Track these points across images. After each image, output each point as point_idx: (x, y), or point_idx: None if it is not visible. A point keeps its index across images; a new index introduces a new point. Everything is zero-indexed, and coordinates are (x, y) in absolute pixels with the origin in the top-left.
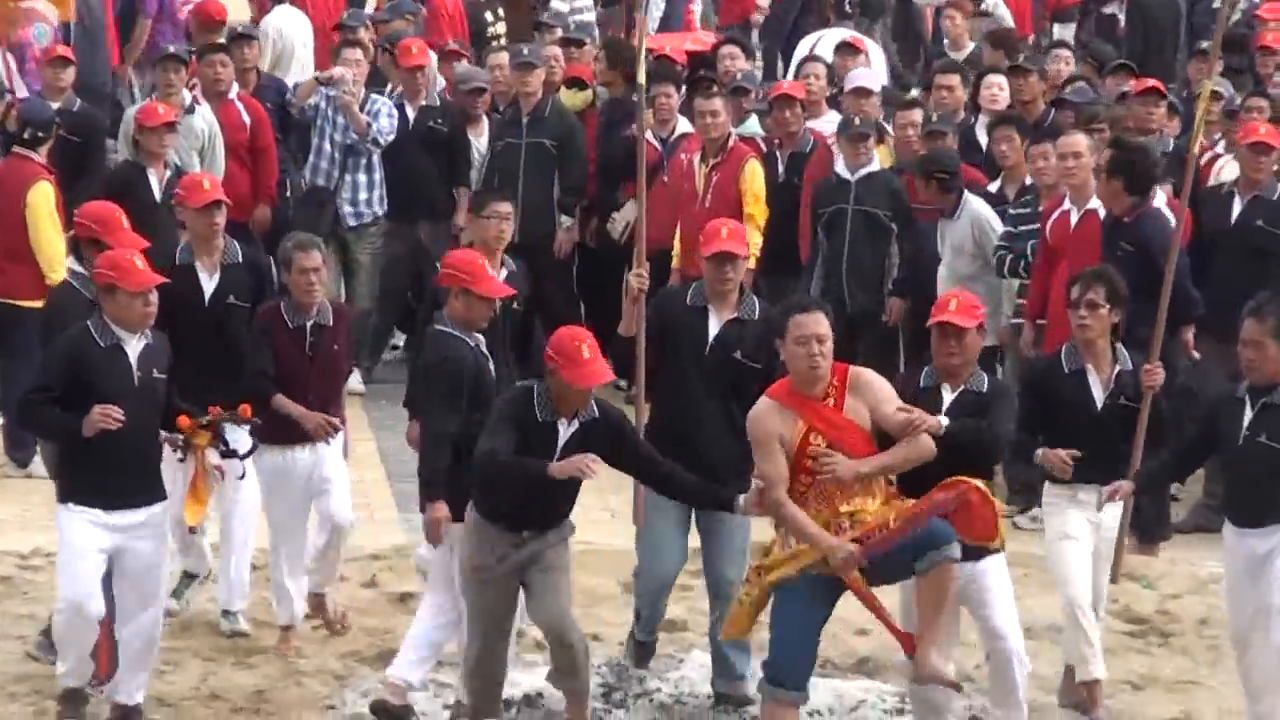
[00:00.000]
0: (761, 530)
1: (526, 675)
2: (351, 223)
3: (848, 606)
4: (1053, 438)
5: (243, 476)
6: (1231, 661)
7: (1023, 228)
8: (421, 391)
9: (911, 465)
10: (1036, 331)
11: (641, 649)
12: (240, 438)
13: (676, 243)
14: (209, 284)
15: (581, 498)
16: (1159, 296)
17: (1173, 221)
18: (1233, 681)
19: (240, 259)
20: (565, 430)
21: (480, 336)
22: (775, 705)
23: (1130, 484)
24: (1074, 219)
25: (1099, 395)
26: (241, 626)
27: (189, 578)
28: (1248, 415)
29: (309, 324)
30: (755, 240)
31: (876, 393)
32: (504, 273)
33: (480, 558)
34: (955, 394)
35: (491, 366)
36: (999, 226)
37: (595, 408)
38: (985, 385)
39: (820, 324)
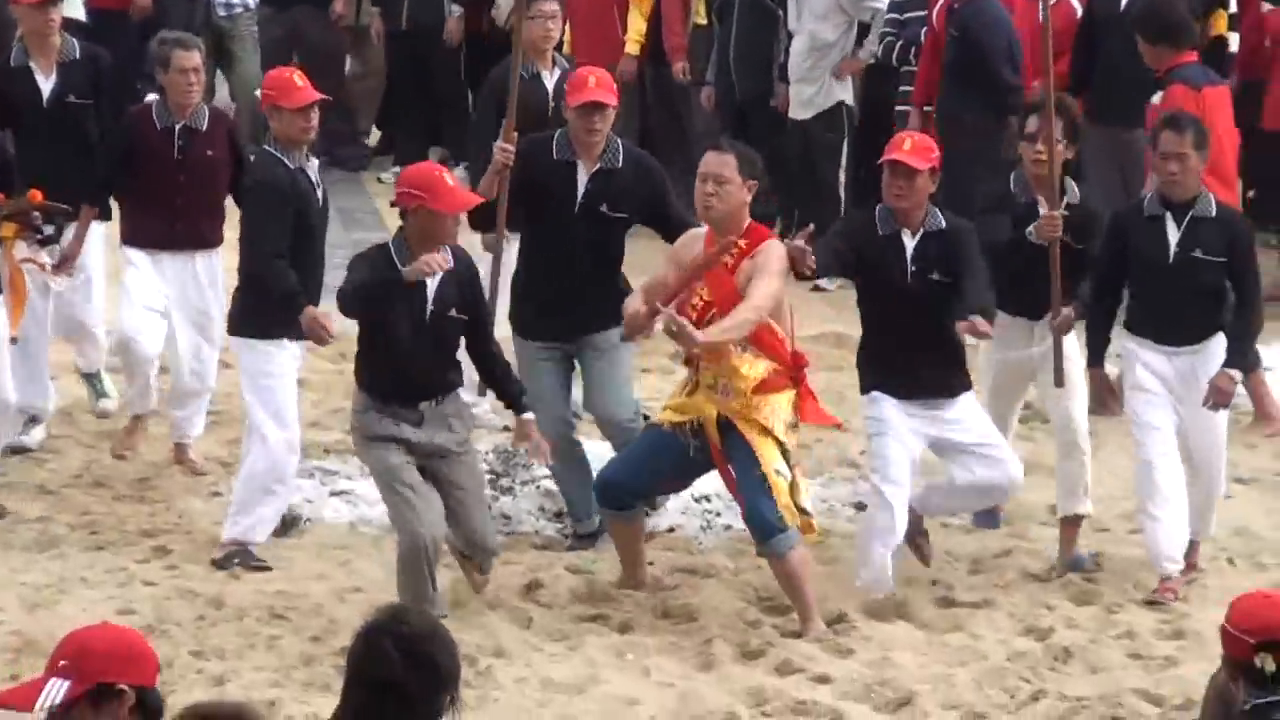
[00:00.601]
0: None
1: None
2: (223, 13)
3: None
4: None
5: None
6: (1109, 444)
7: (909, 14)
8: (245, 214)
9: (728, 340)
10: (923, 118)
11: (581, 540)
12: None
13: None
14: (46, 84)
15: None
16: (981, 85)
17: (997, 8)
18: (1104, 460)
19: (78, 55)
20: (432, 282)
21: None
22: (618, 523)
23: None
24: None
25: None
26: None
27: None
28: (1173, 232)
29: (179, 125)
30: (639, 27)
31: (763, 269)
32: (556, 74)
33: (380, 428)
34: (916, 239)
35: (320, 195)
36: None
37: (452, 255)
38: (943, 222)
39: (724, 165)
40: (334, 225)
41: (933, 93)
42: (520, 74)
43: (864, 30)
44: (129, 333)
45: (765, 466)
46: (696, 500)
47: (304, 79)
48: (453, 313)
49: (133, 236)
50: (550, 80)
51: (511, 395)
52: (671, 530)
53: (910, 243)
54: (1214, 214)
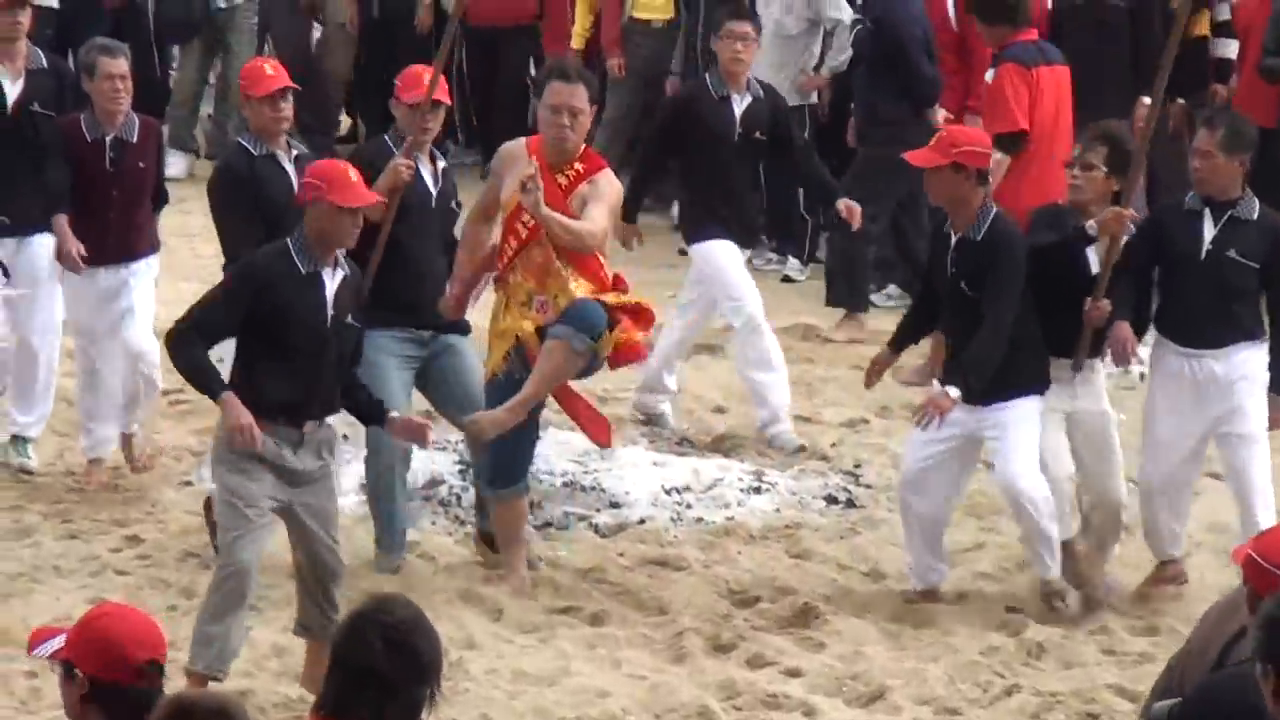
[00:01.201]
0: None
1: None
2: (222, 4)
3: (703, 382)
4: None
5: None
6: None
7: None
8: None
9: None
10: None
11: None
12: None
13: None
14: (11, 90)
15: None
16: (899, 77)
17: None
18: None
19: (44, 64)
20: (331, 281)
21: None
22: (501, 504)
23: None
24: None
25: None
26: (30, 462)
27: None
28: (1209, 229)
29: (109, 138)
30: (584, 23)
31: (600, 196)
32: (747, 99)
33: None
34: (956, 238)
35: (293, 181)
36: None
37: (344, 261)
38: (982, 232)
39: (576, 95)
40: None
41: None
42: (711, 92)
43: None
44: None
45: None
46: (667, 492)
47: (275, 68)
48: (349, 319)
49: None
50: (739, 104)
51: (374, 412)
52: (642, 522)
53: (952, 242)
54: (1255, 217)
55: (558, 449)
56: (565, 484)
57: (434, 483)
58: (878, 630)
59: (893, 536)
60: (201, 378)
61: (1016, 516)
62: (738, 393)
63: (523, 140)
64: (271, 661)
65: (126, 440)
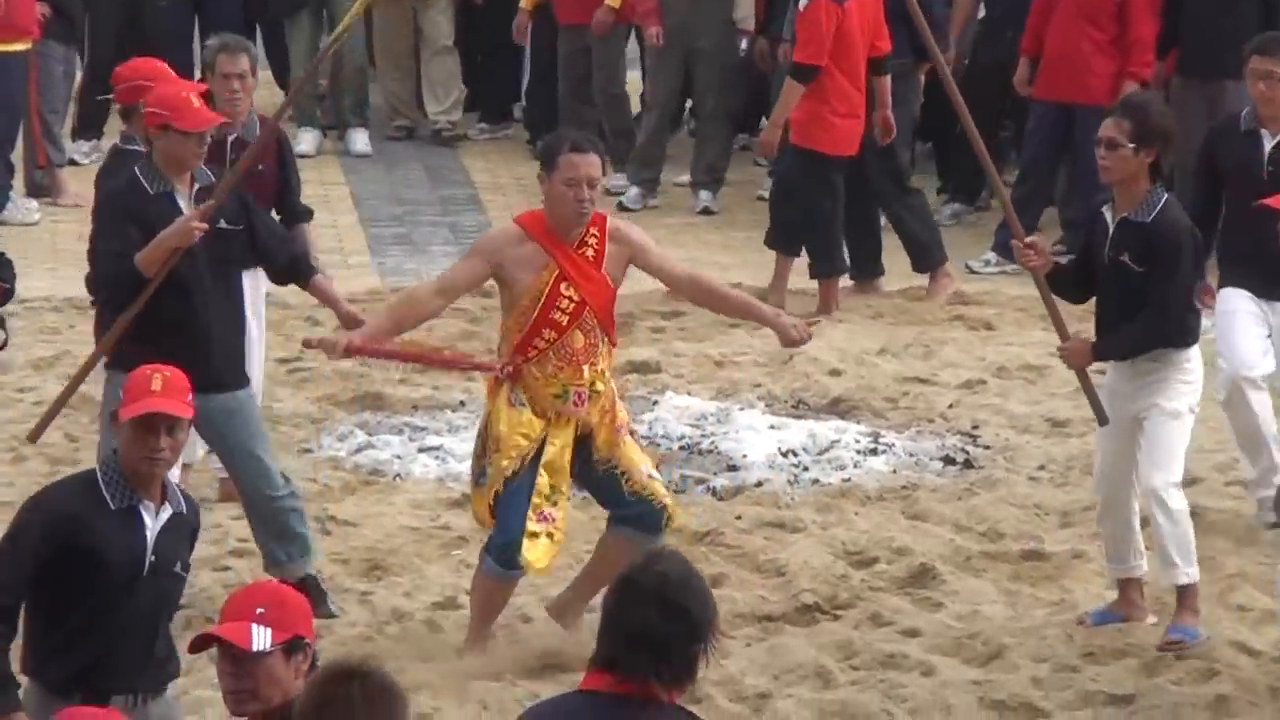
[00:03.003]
0: None
1: None
2: None
3: (817, 345)
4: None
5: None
6: None
7: None
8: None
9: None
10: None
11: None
12: None
13: None
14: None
15: None
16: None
17: None
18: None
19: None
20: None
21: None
22: (503, 584)
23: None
24: None
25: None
26: None
27: None
28: (1268, 145)
29: (231, 139)
30: None
31: (635, 242)
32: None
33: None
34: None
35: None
36: None
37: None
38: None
39: (593, 166)
40: (422, 183)
41: (1040, 43)
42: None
43: None
44: None
45: (638, 481)
46: (784, 455)
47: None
48: (177, 568)
49: None
50: (1269, 141)
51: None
52: (759, 485)
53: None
54: None
55: (675, 413)
56: (683, 448)
57: None
58: (995, 589)
59: (1010, 497)
60: None
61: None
62: (853, 355)
63: (509, 227)
64: (391, 626)
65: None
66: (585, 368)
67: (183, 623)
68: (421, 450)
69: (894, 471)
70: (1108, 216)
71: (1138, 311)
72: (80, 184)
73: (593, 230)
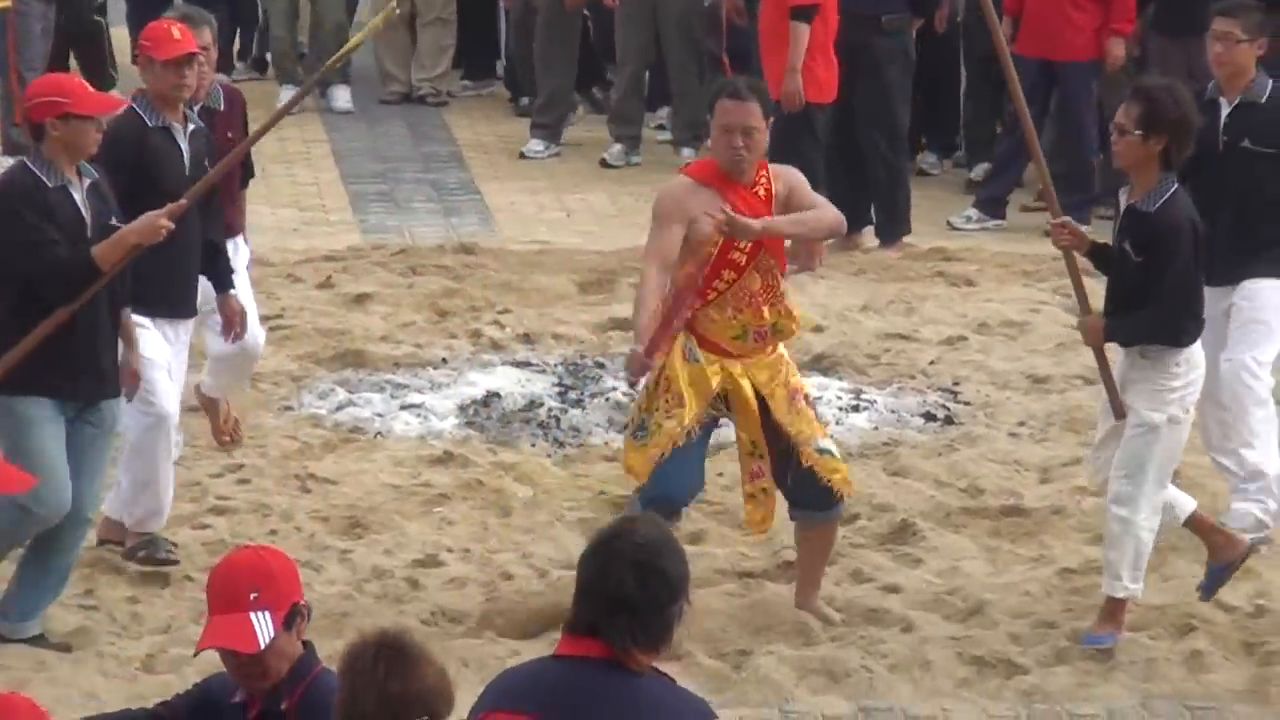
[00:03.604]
0: None
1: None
2: None
3: (801, 302)
4: None
5: None
6: None
7: None
8: None
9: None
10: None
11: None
12: None
13: None
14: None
15: (539, 198)
16: None
17: None
18: None
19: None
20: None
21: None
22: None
23: None
24: None
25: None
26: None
27: None
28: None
29: (196, 108)
30: None
31: (793, 182)
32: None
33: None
34: (1232, 105)
35: (185, 156)
36: None
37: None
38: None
39: (750, 114)
40: (404, 140)
41: (1021, 1)
42: None
43: None
44: None
45: (807, 457)
46: None
47: (182, 31)
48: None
49: None
50: (1225, 109)
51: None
52: None
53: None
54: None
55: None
56: None
57: (533, 404)
58: (975, 546)
59: (990, 453)
60: None
61: None
62: (835, 312)
63: (679, 179)
64: (371, 584)
65: (210, 403)
66: (765, 308)
67: (165, 579)
68: (403, 408)
69: (875, 428)
70: (1121, 202)
71: (1132, 300)
72: None
73: (762, 171)
